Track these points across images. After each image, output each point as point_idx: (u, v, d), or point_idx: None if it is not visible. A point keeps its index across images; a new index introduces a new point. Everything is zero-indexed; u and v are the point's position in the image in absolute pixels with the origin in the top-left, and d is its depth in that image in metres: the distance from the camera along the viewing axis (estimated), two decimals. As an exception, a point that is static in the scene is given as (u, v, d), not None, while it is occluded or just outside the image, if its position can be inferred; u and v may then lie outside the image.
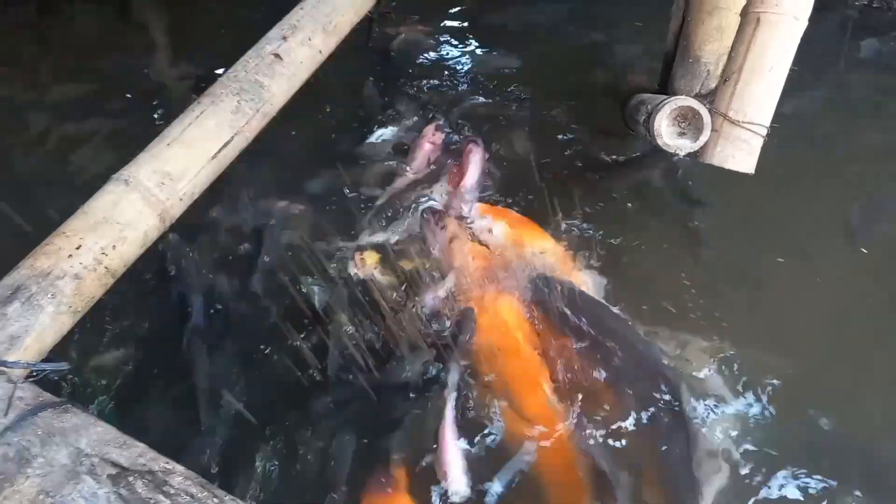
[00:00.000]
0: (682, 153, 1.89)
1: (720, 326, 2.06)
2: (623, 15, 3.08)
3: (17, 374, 1.33)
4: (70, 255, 1.66)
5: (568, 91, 2.83)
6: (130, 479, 1.11)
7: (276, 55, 2.20)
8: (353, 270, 2.30)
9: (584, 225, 2.32)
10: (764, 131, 1.72)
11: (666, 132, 1.90)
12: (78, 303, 1.67)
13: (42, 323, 1.58)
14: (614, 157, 2.53)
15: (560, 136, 2.65)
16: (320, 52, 2.36)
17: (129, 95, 2.92)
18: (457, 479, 1.80)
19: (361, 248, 2.35)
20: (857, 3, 3.15)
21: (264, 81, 2.14)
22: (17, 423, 1.16)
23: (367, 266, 2.31)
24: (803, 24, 1.70)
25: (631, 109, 2.31)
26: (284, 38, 2.25)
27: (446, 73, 2.99)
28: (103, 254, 1.71)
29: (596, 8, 3.17)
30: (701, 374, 1.95)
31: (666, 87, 2.40)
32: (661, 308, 2.11)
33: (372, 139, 2.75)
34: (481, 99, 2.88)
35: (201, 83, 2.63)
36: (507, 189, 2.49)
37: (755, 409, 1.90)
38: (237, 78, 2.11)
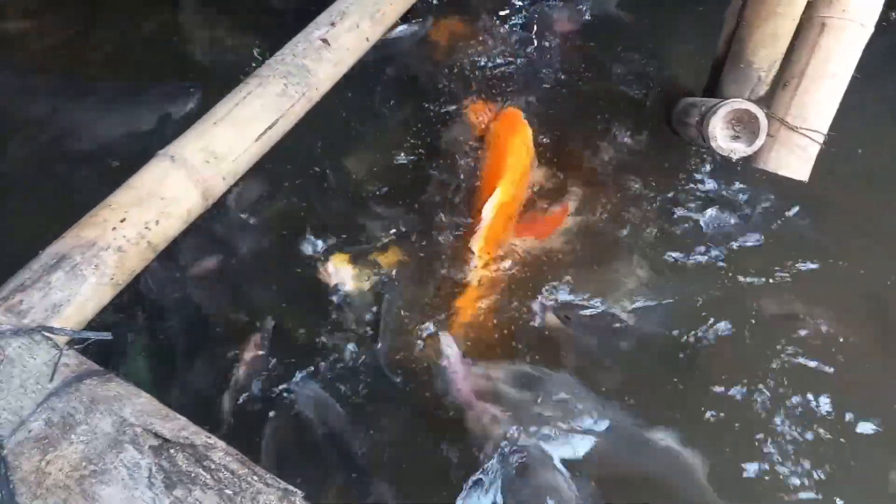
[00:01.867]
0: (735, 156, 1.85)
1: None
2: (669, 15, 3.03)
3: (61, 341, 1.33)
4: (114, 228, 1.67)
5: (608, 90, 2.78)
6: (172, 451, 1.10)
7: (324, 40, 2.20)
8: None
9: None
10: (821, 138, 1.67)
11: (721, 135, 1.86)
12: (119, 275, 1.67)
13: (84, 293, 1.59)
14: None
15: (598, 137, 2.60)
16: (367, 39, 2.35)
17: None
18: None
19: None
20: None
21: (311, 66, 2.14)
22: (62, 388, 1.16)
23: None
24: (869, 31, 1.65)
25: (680, 112, 2.26)
26: (333, 24, 2.24)
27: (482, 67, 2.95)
28: (147, 228, 1.72)
29: (641, 9, 3.12)
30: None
31: (713, 92, 2.35)
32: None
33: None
34: (520, 91, 2.83)
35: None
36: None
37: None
38: (284, 61, 2.11)
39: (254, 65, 2.51)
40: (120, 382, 1.21)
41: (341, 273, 2.24)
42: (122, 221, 1.68)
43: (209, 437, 1.13)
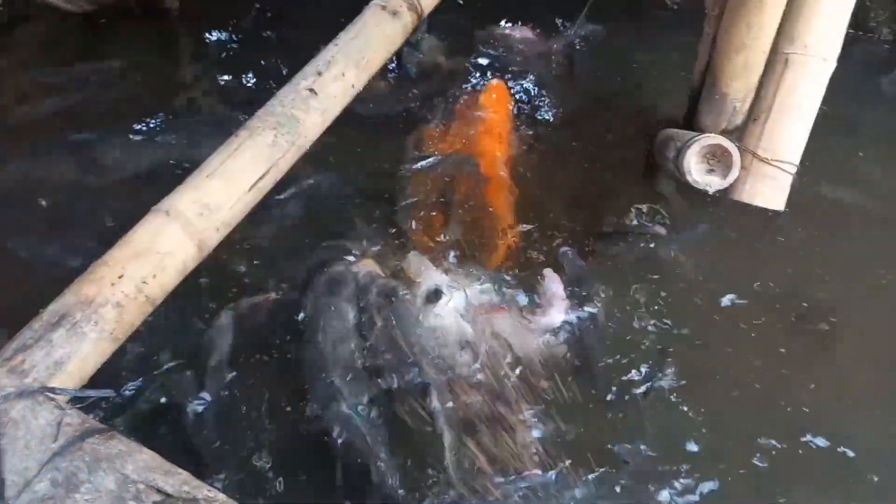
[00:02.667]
0: (711, 190, 1.91)
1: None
2: (655, 48, 3.12)
3: (63, 400, 1.37)
4: (112, 284, 1.71)
5: (593, 118, 2.86)
6: (174, 506, 1.13)
7: (311, 90, 2.27)
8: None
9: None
10: (793, 169, 1.74)
11: (695, 169, 1.93)
12: (119, 330, 1.71)
13: (85, 349, 1.62)
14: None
15: (581, 164, 2.67)
16: (353, 86, 2.42)
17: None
18: None
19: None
20: (884, 39, 3.17)
21: (299, 116, 2.21)
22: (65, 448, 1.19)
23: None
24: (832, 66, 1.73)
25: (659, 145, 2.34)
26: (319, 74, 2.32)
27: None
28: (144, 283, 1.76)
29: (626, 39, 3.21)
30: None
31: (692, 123, 2.43)
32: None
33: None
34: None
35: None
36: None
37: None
38: (273, 112, 2.17)
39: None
40: (122, 439, 1.24)
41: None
42: (119, 277, 1.73)
43: (210, 491, 1.16)
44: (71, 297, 1.67)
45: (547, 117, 2.87)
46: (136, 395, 1.85)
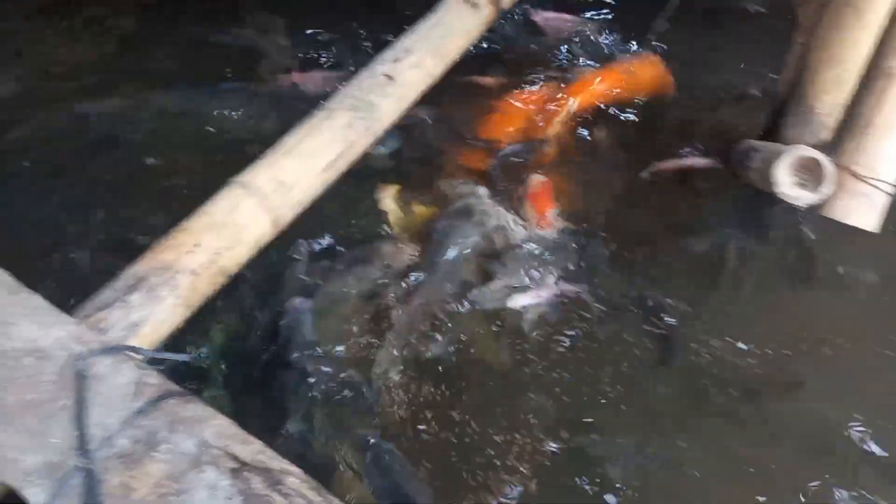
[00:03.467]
0: (801, 204, 1.84)
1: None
2: (733, 55, 3.03)
3: (142, 360, 1.40)
4: (189, 252, 1.74)
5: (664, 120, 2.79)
6: (247, 474, 1.14)
7: (388, 76, 2.27)
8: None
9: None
10: (891, 189, 1.66)
11: (785, 181, 1.86)
12: (192, 298, 1.74)
13: (160, 313, 1.66)
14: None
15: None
16: (430, 75, 2.42)
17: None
18: None
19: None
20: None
21: (376, 101, 2.21)
22: (146, 407, 1.21)
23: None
24: (939, 82, 1.65)
25: (740, 155, 2.27)
26: (396, 61, 2.32)
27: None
28: (218, 254, 1.79)
29: (704, 44, 3.12)
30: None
31: (774, 135, 2.35)
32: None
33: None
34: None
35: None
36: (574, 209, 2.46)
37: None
38: (351, 95, 2.19)
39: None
40: (199, 404, 1.26)
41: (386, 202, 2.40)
42: (196, 246, 1.76)
43: (284, 463, 1.17)
44: (149, 261, 1.71)
45: (617, 113, 2.81)
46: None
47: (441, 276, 2.10)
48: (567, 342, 2.01)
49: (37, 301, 1.43)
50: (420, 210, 2.40)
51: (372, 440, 1.71)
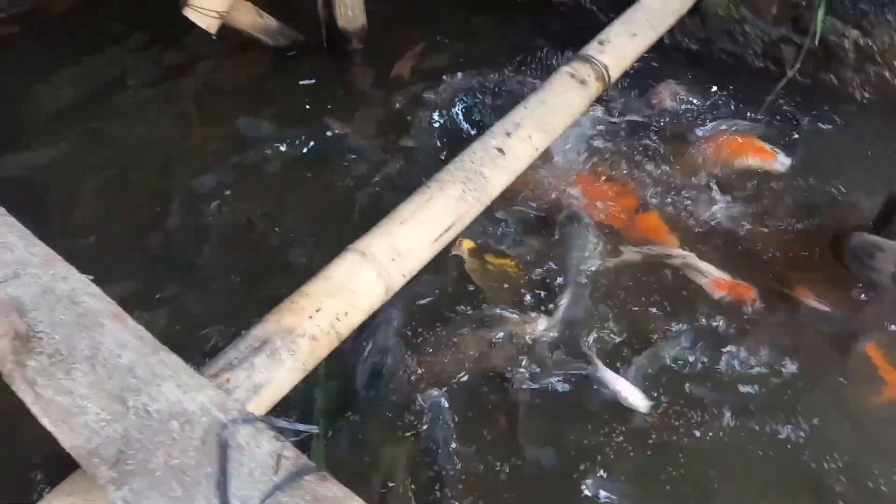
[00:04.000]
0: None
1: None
2: (842, 140, 2.99)
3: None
4: (310, 317, 1.79)
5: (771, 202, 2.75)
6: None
7: (500, 150, 2.32)
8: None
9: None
10: None
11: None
12: (309, 361, 1.78)
13: (280, 376, 1.70)
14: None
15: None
16: (536, 149, 2.46)
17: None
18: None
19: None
20: None
21: (487, 173, 2.25)
22: (286, 482, 1.23)
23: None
24: None
25: (857, 250, 2.21)
26: (508, 135, 2.36)
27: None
28: (337, 319, 1.83)
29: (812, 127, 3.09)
30: None
31: (889, 230, 2.29)
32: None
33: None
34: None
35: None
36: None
37: None
38: (464, 167, 2.23)
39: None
40: (334, 482, 1.27)
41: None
42: (317, 311, 1.80)
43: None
44: (272, 324, 1.75)
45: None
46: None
47: None
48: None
49: (176, 361, 1.48)
50: (497, 262, 2.47)
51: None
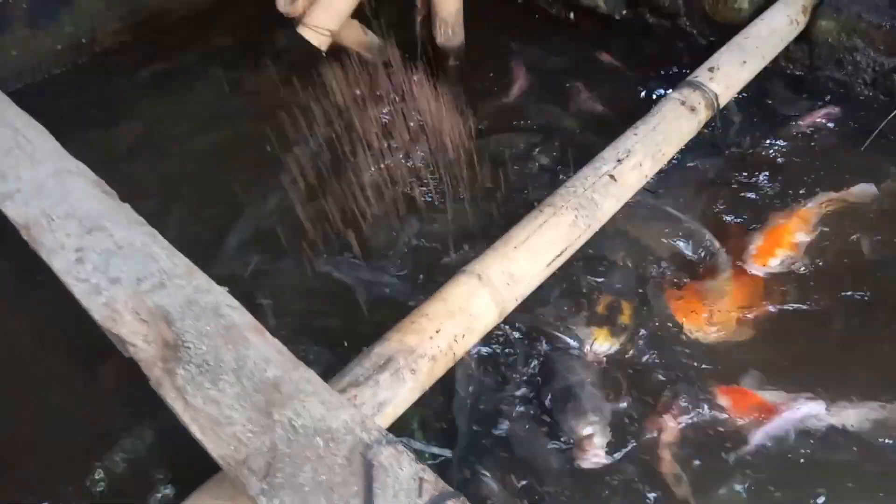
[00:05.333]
0: None
1: None
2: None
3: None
4: (431, 337, 1.82)
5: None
6: None
7: (611, 176, 2.31)
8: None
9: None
10: None
11: None
12: (427, 381, 1.82)
13: (402, 395, 1.74)
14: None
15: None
16: (645, 176, 2.44)
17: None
18: None
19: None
20: None
21: (598, 200, 2.25)
22: (430, 507, 1.26)
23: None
24: None
25: None
26: (619, 161, 2.36)
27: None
28: (455, 340, 1.86)
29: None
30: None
31: None
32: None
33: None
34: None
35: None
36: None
37: None
38: (576, 193, 2.23)
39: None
40: (474, 509, 1.29)
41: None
42: (437, 332, 1.83)
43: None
44: (395, 342, 1.80)
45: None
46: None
47: None
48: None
49: (315, 378, 1.53)
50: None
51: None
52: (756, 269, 2.45)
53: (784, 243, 2.50)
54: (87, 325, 1.73)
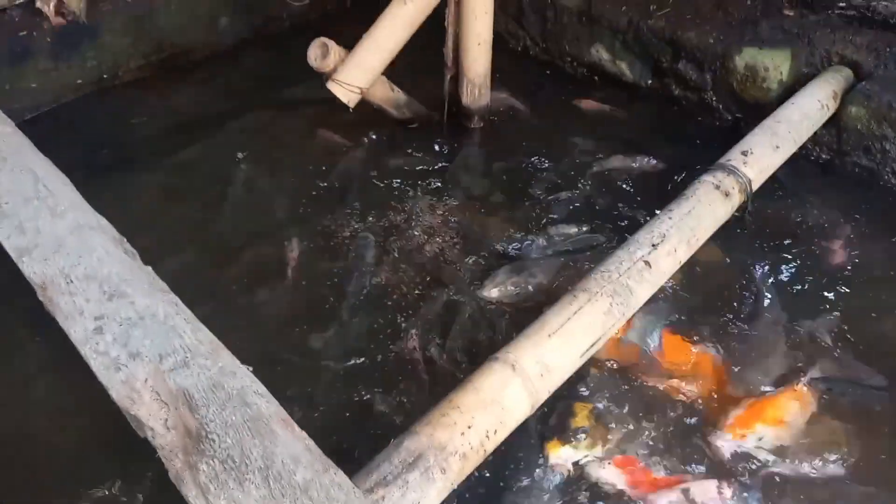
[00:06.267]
0: None
1: None
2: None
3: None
4: (462, 433, 1.73)
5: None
6: None
7: (646, 262, 2.25)
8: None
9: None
10: None
11: None
12: (456, 480, 1.71)
13: (431, 495, 1.64)
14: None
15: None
16: (679, 262, 2.39)
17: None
18: None
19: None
20: None
21: (633, 286, 2.19)
22: None
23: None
24: None
25: None
26: (654, 246, 2.30)
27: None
28: (486, 437, 1.77)
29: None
30: None
31: None
32: None
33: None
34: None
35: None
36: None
37: None
38: (611, 279, 2.17)
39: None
40: None
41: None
42: (469, 428, 1.74)
43: None
44: (426, 437, 1.70)
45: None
46: None
47: None
48: None
49: (346, 483, 1.44)
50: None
51: None
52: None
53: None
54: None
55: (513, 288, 2.62)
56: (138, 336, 1.70)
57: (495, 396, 1.82)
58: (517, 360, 1.90)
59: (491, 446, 1.80)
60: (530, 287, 2.64)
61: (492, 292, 2.58)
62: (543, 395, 1.93)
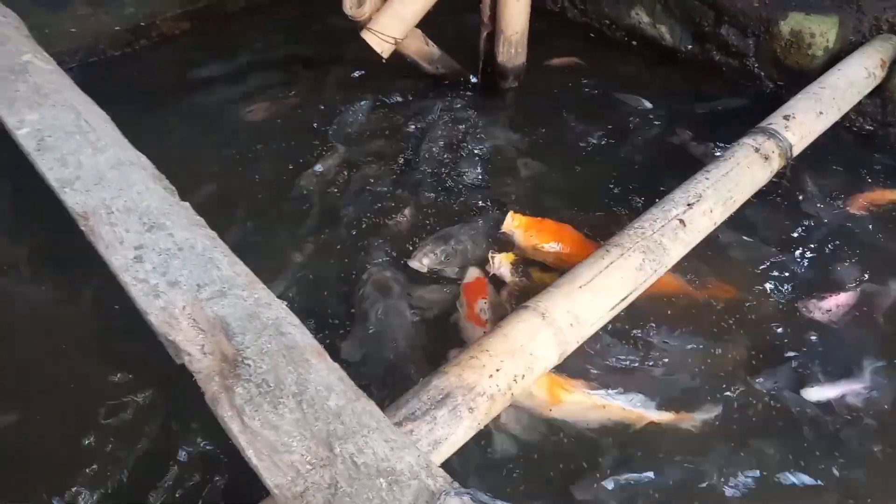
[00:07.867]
0: None
1: None
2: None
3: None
4: (491, 376, 1.74)
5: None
6: None
7: (681, 221, 2.23)
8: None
9: None
10: None
11: None
12: (483, 421, 1.73)
13: (458, 433, 1.66)
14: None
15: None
16: (714, 223, 2.36)
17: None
18: None
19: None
20: None
21: (667, 244, 2.17)
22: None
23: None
24: None
25: None
26: (689, 206, 2.27)
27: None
28: (514, 381, 1.78)
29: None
30: None
31: None
32: None
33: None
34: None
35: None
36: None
37: None
38: (644, 235, 2.15)
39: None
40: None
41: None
42: (497, 371, 1.75)
43: None
44: (454, 377, 1.72)
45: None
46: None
47: None
48: None
49: (378, 412, 1.46)
50: (538, 277, 2.50)
51: None
52: None
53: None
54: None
55: (440, 256, 2.60)
56: (177, 266, 1.73)
57: (525, 344, 1.83)
58: (547, 310, 1.91)
59: (518, 390, 1.81)
60: (458, 255, 2.63)
61: (423, 261, 2.56)
62: (572, 346, 1.94)
